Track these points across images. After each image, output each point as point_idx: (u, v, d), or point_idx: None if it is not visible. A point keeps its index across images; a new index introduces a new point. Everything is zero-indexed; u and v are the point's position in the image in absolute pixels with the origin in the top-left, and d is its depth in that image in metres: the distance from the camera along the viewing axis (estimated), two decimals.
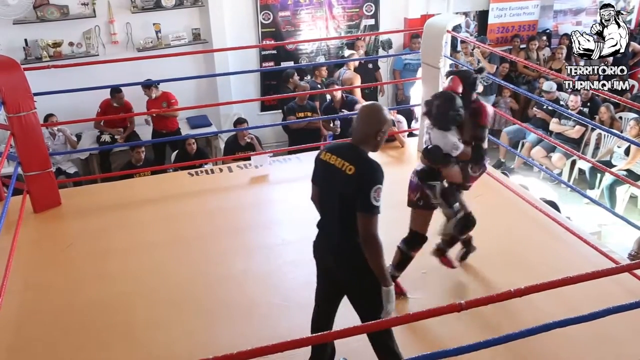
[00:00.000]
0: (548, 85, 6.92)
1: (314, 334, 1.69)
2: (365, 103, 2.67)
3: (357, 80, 6.82)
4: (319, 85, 6.87)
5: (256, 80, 7.64)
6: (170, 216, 4.23)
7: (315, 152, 5.56)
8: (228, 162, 5.58)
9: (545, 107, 6.87)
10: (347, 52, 7.37)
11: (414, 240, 3.23)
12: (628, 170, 6.03)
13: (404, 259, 3.23)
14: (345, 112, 6.14)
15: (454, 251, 3.47)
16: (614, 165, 6.15)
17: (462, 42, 7.47)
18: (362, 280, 2.41)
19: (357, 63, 7.26)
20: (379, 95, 7.97)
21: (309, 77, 7.29)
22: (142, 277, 3.54)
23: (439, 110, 2.97)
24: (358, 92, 6.89)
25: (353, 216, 2.34)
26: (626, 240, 4.79)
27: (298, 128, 6.37)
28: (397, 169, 5.03)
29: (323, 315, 2.66)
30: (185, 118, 7.03)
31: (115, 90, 6.19)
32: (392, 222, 4.11)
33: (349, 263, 2.44)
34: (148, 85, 6.14)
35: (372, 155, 2.43)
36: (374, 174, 2.31)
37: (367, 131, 2.39)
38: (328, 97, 6.60)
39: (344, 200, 2.37)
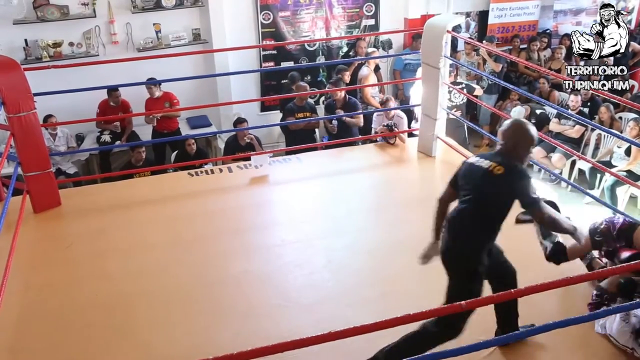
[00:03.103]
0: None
1: (333, 332, 1.72)
2: (517, 120, 2.77)
3: (370, 80, 6.92)
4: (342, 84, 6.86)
5: (256, 80, 7.64)
6: (170, 216, 4.23)
7: (315, 152, 5.61)
8: (228, 162, 5.58)
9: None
10: (369, 49, 7.47)
11: None
12: (628, 171, 6.03)
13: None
14: (347, 112, 6.15)
15: None
16: (614, 166, 6.15)
17: (467, 43, 7.46)
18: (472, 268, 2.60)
19: (377, 62, 7.34)
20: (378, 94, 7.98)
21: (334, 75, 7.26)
22: (142, 277, 3.54)
23: None
24: (369, 90, 7.00)
25: (486, 216, 2.53)
26: None
27: (297, 128, 6.37)
28: (397, 169, 5.05)
29: None
30: (185, 118, 7.03)
31: (112, 89, 6.20)
32: (393, 221, 4.14)
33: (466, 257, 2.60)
34: (152, 84, 6.16)
35: None
36: (524, 173, 2.50)
37: (517, 148, 2.56)
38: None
39: (485, 198, 2.53)
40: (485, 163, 2.54)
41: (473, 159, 2.68)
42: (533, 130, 2.59)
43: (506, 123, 2.63)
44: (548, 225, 2.61)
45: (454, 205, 2.71)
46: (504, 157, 2.54)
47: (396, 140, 5.37)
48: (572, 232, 2.61)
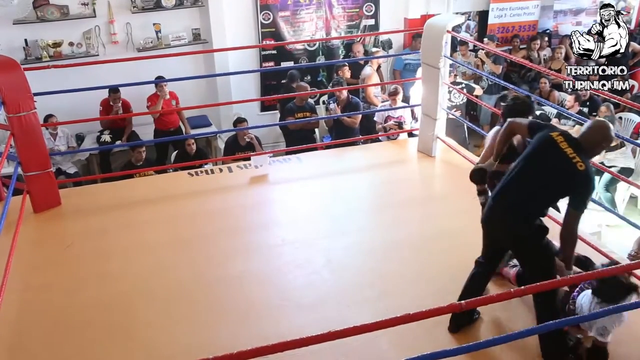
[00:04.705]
0: None
1: (333, 331, 1.72)
2: (603, 121, 2.84)
3: (372, 79, 6.96)
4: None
5: (256, 80, 7.65)
6: (170, 216, 4.23)
7: (315, 152, 5.61)
8: (228, 162, 5.58)
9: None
10: (373, 49, 7.56)
11: None
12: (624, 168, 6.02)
13: None
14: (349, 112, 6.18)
15: None
16: (609, 166, 6.14)
17: (462, 44, 7.45)
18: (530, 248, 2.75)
19: (380, 62, 7.40)
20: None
21: (335, 75, 7.29)
22: (142, 277, 3.54)
23: None
24: (372, 89, 7.05)
25: (546, 200, 2.69)
26: (626, 240, 4.78)
27: (296, 128, 6.37)
28: (397, 169, 5.05)
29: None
30: (185, 118, 7.02)
31: (113, 90, 6.22)
32: (393, 221, 4.14)
33: (523, 236, 2.71)
34: (160, 83, 6.19)
35: None
36: (593, 179, 2.63)
37: (595, 142, 2.69)
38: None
39: (557, 184, 2.66)
40: (569, 151, 2.62)
41: (555, 134, 2.70)
42: (613, 132, 2.71)
43: (592, 122, 2.76)
44: (565, 235, 2.65)
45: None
46: (583, 154, 2.63)
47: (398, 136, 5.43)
48: (567, 265, 2.69)
